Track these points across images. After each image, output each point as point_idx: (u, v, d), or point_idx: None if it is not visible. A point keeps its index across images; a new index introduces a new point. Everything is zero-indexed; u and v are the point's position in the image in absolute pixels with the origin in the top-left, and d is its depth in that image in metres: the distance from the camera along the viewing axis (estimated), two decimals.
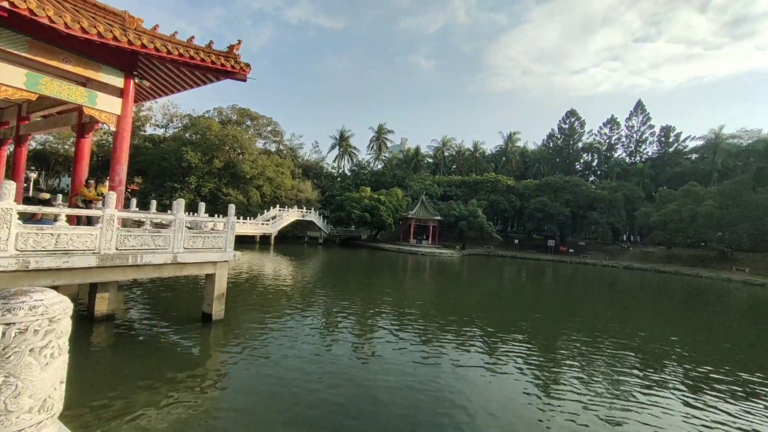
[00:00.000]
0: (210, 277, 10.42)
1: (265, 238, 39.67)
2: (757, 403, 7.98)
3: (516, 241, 55.24)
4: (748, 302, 25.92)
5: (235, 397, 6.58)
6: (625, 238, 58.79)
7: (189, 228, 10.17)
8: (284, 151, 59.29)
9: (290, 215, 42.73)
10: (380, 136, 71.47)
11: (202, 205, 11.90)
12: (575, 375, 8.94)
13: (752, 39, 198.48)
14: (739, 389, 8.69)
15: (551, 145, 69.07)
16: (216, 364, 7.99)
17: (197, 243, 9.83)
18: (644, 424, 6.64)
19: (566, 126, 66.81)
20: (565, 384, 8.24)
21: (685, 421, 6.87)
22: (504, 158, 71.46)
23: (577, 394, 7.73)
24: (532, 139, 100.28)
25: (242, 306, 12.89)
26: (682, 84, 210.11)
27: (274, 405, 6.34)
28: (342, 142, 69.89)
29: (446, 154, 74.38)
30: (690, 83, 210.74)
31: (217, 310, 10.48)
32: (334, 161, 70.73)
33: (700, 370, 9.91)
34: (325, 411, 6.20)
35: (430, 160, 75.52)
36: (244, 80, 11.93)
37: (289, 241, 44.73)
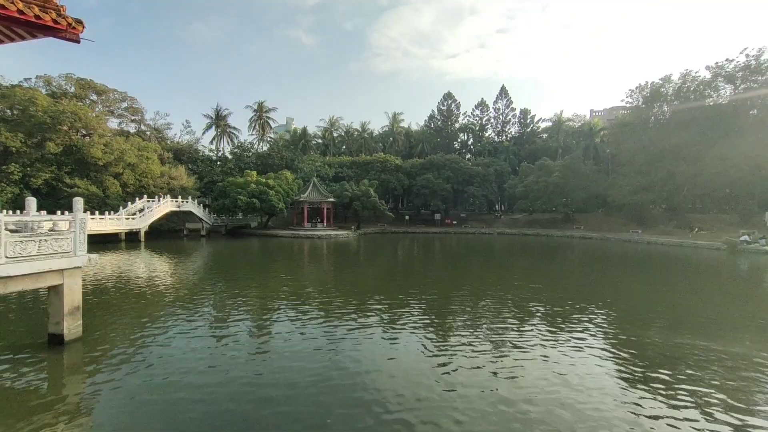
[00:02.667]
0: (56, 289, 8.14)
1: (132, 235, 33.69)
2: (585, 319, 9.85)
3: (407, 217, 58.53)
4: (583, 251, 32.45)
5: None
6: (497, 208, 67.40)
7: (14, 231, 7.67)
8: (147, 133, 50.70)
9: (162, 206, 36.98)
10: (262, 114, 66.41)
11: (32, 201, 9.13)
12: (466, 331, 9.85)
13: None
14: (582, 315, 10.62)
15: (432, 126, 74.13)
16: (74, 397, 6.22)
17: (29, 248, 7.49)
18: (519, 360, 7.51)
19: (444, 108, 72.28)
20: (457, 340, 8.98)
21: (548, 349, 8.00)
22: (391, 138, 74.10)
23: (468, 347, 8.40)
24: (415, 119, 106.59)
25: (108, 318, 10.54)
26: (534, 74, 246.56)
27: None
28: (219, 121, 62.99)
29: (335, 134, 73.56)
30: (540, 73, 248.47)
31: (71, 327, 8.30)
32: (212, 143, 63.59)
33: (557, 308, 11.83)
34: (231, 427, 5.34)
35: (320, 141, 73.82)
36: (77, 41, 9.26)
37: (165, 235, 38.97)
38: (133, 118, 49.91)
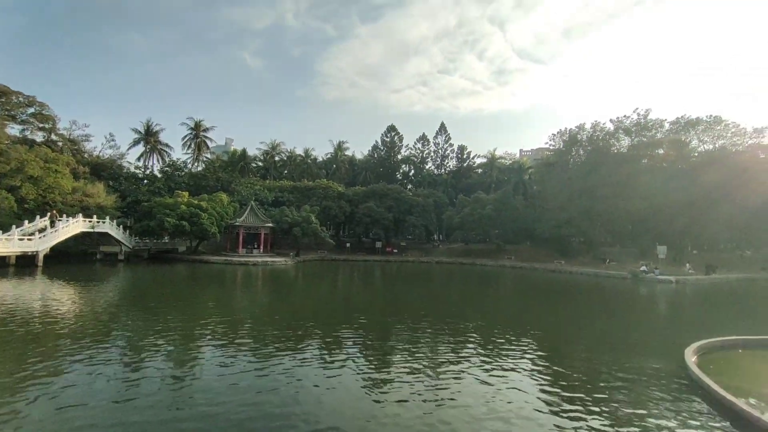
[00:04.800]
0: None
1: (26, 259, 28.99)
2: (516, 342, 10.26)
3: (348, 244, 57.99)
4: (514, 280, 34.39)
5: None
6: (436, 237, 69.58)
7: None
8: (59, 143, 45.32)
9: (71, 227, 32.54)
10: (199, 133, 62.93)
11: None
12: (403, 358, 9.76)
13: (509, 86, 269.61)
14: (514, 340, 11.02)
15: (376, 156, 75.89)
16: None
17: None
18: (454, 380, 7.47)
19: (388, 139, 74.68)
20: (393, 368, 8.75)
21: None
22: (334, 165, 74.22)
23: (405, 374, 8.21)
24: (359, 148, 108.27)
25: None
26: (471, 112, 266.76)
27: None
28: (149, 137, 58.46)
29: (277, 158, 71.90)
30: (476, 113, 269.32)
31: None
32: (139, 160, 58.54)
33: (491, 334, 12.17)
34: None
35: (260, 164, 71.57)
36: None
37: (74, 259, 34.19)
38: (41, 125, 44.47)
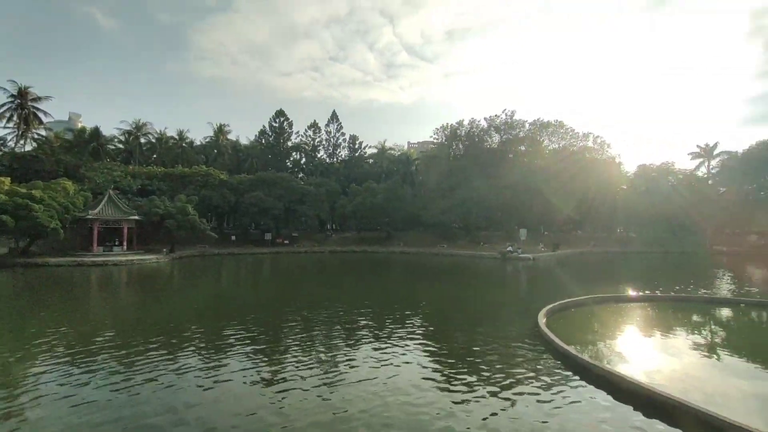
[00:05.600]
0: None
1: None
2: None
3: (233, 237, 53.47)
4: (403, 265, 36.30)
5: None
6: (329, 227, 69.04)
7: None
8: None
9: None
10: (25, 103, 49.71)
11: None
12: (297, 349, 9.25)
13: (398, 80, 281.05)
14: (405, 320, 11.46)
15: (264, 142, 71.18)
16: None
17: None
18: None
19: (276, 125, 70.63)
20: (287, 359, 8.21)
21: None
22: (216, 151, 67.28)
23: (299, 364, 7.73)
24: (245, 133, 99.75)
25: None
26: (362, 103, 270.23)
27: None
28: None
29: (143, 140, 61.71)
30: (367, 104, 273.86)
31: None
32: None
33: (384, 315, 12.44)
34: None
35: (120, 146, 60.49)
36: None
37: None
38: None
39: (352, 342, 10.46)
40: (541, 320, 11.40)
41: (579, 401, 6.76)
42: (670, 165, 61.79)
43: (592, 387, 7.31)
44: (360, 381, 7.64)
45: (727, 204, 55.11)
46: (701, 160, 66.87)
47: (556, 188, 52.78)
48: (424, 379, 7.81)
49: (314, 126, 73.44)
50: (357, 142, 75.39)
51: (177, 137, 63.96)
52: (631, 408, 6.39)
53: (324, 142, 74.56)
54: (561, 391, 7.16)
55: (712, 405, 5.97)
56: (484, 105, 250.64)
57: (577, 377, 7.80)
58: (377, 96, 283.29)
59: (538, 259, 40.93)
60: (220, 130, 68.64)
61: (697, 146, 67.49)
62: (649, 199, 54.33)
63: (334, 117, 74.77)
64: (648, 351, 10.14)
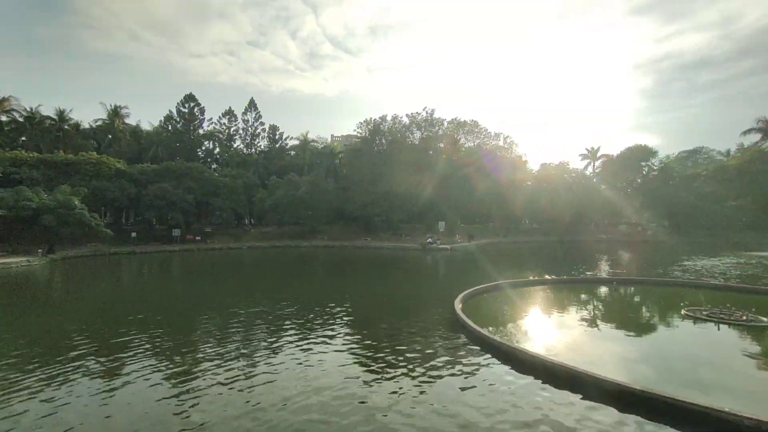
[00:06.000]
0: None
1: None
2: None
3: (134, 234, 47.44)
4: (326, 258, 35.73)
5: None
6: (247, 222, 65.05)
7: None
8: None
9: None
10: None
11: None
12: (213, 355, 8.25)
13: (321, 71, 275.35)
14: (327, 314, 11.16)
15: (170, 128, 64.07)
16: None
17: None
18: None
19: (185, 110, 64.07)
20: (203, 366, 7.29)
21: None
22: (110, 136, 58.84)
23: (218, 369, 6.95)
24: (147, 118, 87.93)
25: None
26: (284, 92, 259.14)
27: None
28: None
29: (5, 118, 51.28)
30: (289, 93, 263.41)
31: None
32: None
33: (305, 311, 11.97)
34: None
35: None
36: None
37: None
38: None
39: (273, 339, 9.89)
40: (458, 306, 11.94)
41: (491, 377, 7.31)
42: (566, 164, 70.30)
43: (502, 363, 7.92)
44: (279, 375, 7.36)
45: (606, 198, 64.57)
46: (588, 161, 77.38)
47: (472, 184, 56.58)
48: (346, 369, 7.76)
49: (230, 113, 68.43)
50: (278, 133, 72.16)
51: (56, 117, 54.35)
52: (532, 378, 7.12)
53: (241, 132, 69.96)
54: (476, 369, 7.67)
55: (592, 366, 6.97)
56: (406, 102, 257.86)
57: (489, 355, 8.38)
58: (300, 86, 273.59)
59: (455, 249, 43.47)
60: (116, 113, 60.16)
61: (585, 149, 78.15)
62: (549, 194, 61.17)
63: (252, 105, 70.41)
64: (547, 327, 11.24)
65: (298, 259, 35.91)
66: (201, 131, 66.63)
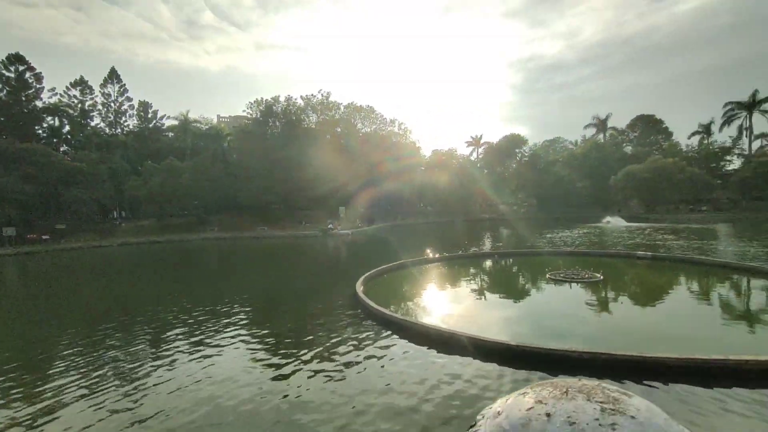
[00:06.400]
0: None
1: None
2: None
3: None
4: (218, 251, 32.70)
5: None
6: (116, 215, 55.52)
7: None
8: None
9: None
10: None
11: None
12: (86, 369, 6.56)
13: (202, 43, 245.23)
14: (225, 313, 10.11)
15: None
16: None
17: None
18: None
19: (12, 75, 50.33)
20: (77, 382, 5.73)
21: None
22: None
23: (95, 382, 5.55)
24: None
25: None
26: (156, 63, 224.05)
27: None
28: None
29: None
30: (162, 65, 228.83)
31: None
32: None
33: (198, 312, 10.63)
34: None
35: None
36: None
37: None
38: None
39: (160, 347, 8.54)
40: (359, 288, 11.95)
41: (393, 353, 7.52)
42: (454, 151, 76.40)
43: (401, 338, 8.20)
44: (171, 381, 6.54)
45: (489, 181, 72.50)
46: (473, 148, 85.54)
47: (370, 168, 57.59)
48: (248, 364, 7.24)
49: (82, 83, 56.70)
50: (150, 111, 62.62)
51: None
52: (428, 347, 7.58)
53: (101, 108, 58.73)
54: (380, 347, 7.80)
55: (481, 331, 7.81)
56: (300, 83, 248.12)
57: (391, 332, 8.59)
58: (176, 58, 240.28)
59: (356, 233, 43.98)
60: None
61: (471, 137, 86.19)
62: (440, 177, 65.88)
63: (114, 75, 59.46)
64: (443, 301, 12.01)
65: (186, 254, 32.07)
66: (39, 103, 53.38)
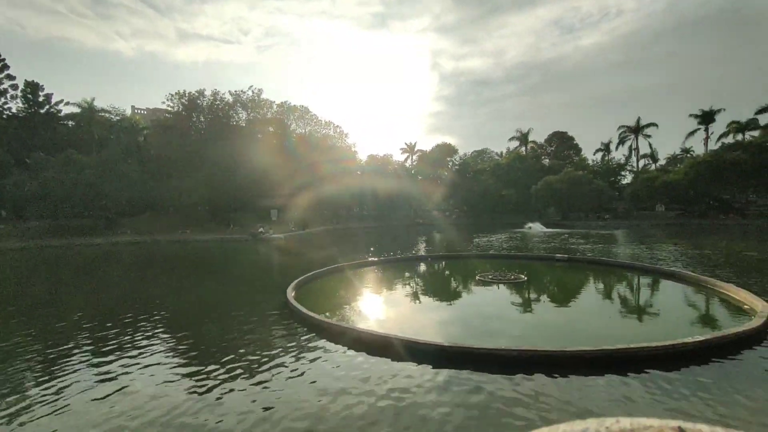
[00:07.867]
0: None
1: None
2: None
3: None
4: (132, 257, 29.10)
5: None
6: None
7: None
8: None
9: None
10: None
11: None
12: None
13: (113, 23, 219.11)
14: (141, 327, 8.82)
15: None
16: None
17: None
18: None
19: None
20: None
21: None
22: None
23: None
24: None
25: None
26: (50, 40, 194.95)
27: None
28: None
29: None
30: (60, 43, 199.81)
31: None
32: None
33: (107, 328, 9.14)
34: None
35: None
36: None
37: None
38: None
39: (65, 370, 7.07)
40: (290, 294, 11.31)
41: (326, 358, 7.25)
42: (389, 156, 77.65)
43: (335, 343, 7.90)
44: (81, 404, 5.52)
45: (422, 188, 74.85)
46: (407, 154, 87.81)
47: (304, 170, 56.01)
48: (168, 381, 6.43)
49: None
50: (42, 94, 53.72)
51: None
52: (363, 352, 7.38)
53: None
54: (311, 354, 7.47)
55: (417, 334, 7.77)
56: (229, 78, 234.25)
57: (323, 338, 8.24)
58: (79, 36, 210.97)
59: (288, 238, 42.32)
60: None
61: (405, 143, 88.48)
62: (376, 182, 66.38)
63: None
64: (377, 305, 11.85)
65: (91, 261, 27.93)
66: None
